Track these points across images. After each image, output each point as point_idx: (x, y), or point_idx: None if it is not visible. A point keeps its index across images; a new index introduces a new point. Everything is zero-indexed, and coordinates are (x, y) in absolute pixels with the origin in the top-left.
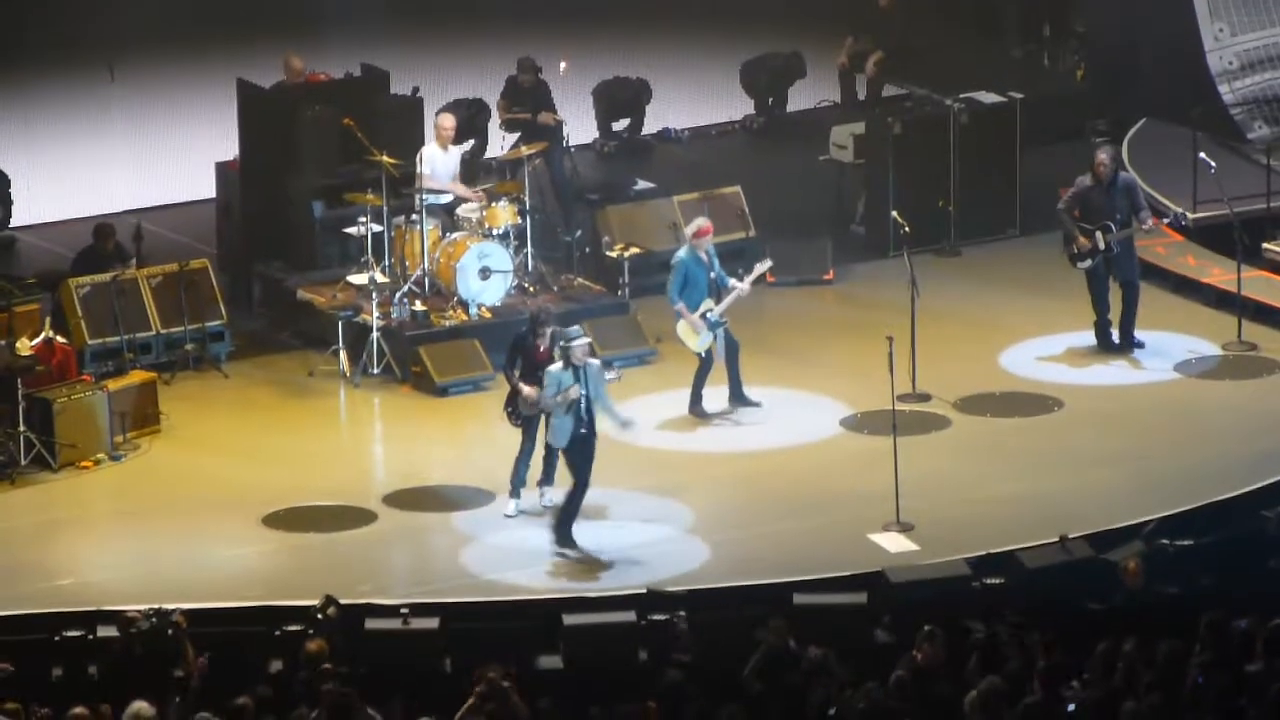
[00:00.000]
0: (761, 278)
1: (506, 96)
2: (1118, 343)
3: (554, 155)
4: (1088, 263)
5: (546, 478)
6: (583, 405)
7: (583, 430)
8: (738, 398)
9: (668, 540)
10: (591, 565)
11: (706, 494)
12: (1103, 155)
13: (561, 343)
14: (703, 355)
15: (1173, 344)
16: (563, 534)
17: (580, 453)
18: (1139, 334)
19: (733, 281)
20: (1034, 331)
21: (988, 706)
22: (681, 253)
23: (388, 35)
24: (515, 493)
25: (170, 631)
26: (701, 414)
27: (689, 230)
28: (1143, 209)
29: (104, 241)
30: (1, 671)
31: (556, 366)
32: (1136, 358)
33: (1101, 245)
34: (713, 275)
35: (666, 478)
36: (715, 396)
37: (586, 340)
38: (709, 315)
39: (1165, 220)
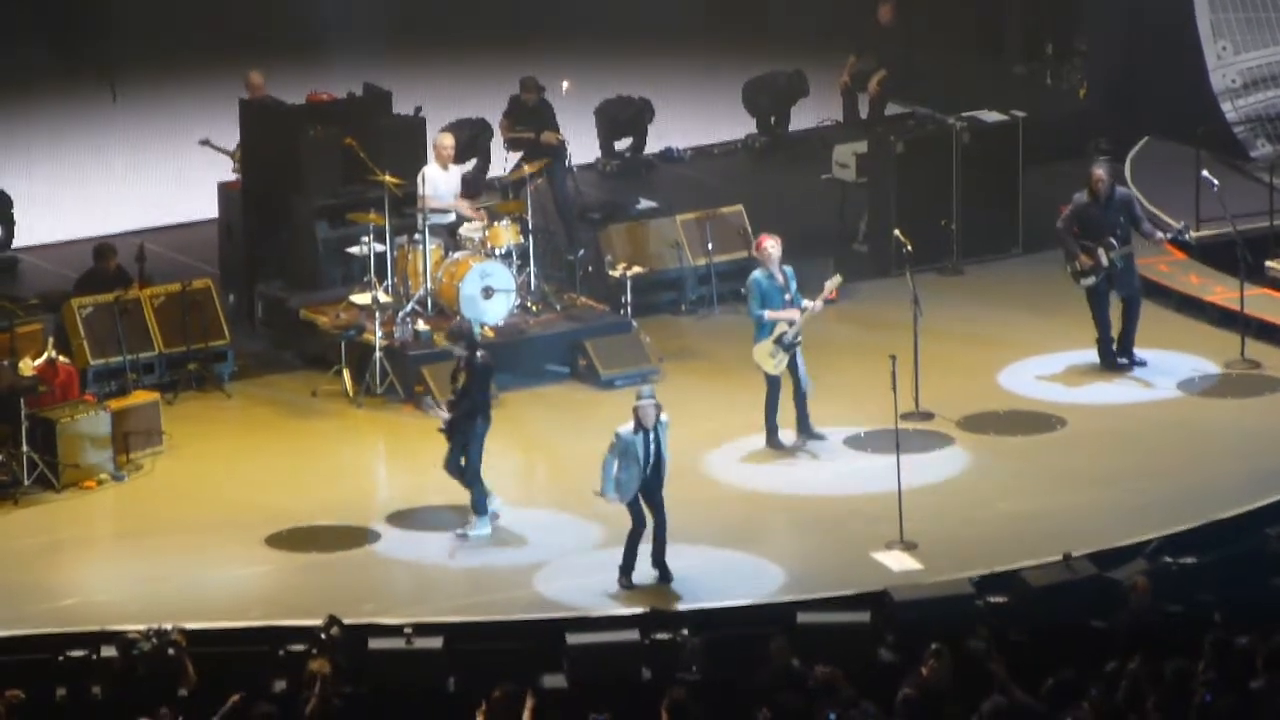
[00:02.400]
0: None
1: (509, 116)
2: (1122, 361)
3: (557, 174)
4: (1091, 280)
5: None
6: (651, 462)
7: (650, 482)
8: (805, 430)
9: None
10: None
11: (708, 513)
12: (1100, 171)
13: (637, 401)
14: (771, 380)
15: (1176, 362)
16: (663, 568)
17: (651, 498)
18: (1140, 352)
19: (806, 302)
20: (1037, 350)
21: None
22: (755, 273)
23: (390, 55)
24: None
25: (171, 651)
26: (779, 446)
27: (753, 246)
28: (1143, 221)
29: (105, 262)
30: (13, 699)
31: (627, 430)
32: (1140, 376)
33: (1105, 261)
34: (787, 297)
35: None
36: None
37: (653, 401)
38: (784, 337)
39: (1167, 236)
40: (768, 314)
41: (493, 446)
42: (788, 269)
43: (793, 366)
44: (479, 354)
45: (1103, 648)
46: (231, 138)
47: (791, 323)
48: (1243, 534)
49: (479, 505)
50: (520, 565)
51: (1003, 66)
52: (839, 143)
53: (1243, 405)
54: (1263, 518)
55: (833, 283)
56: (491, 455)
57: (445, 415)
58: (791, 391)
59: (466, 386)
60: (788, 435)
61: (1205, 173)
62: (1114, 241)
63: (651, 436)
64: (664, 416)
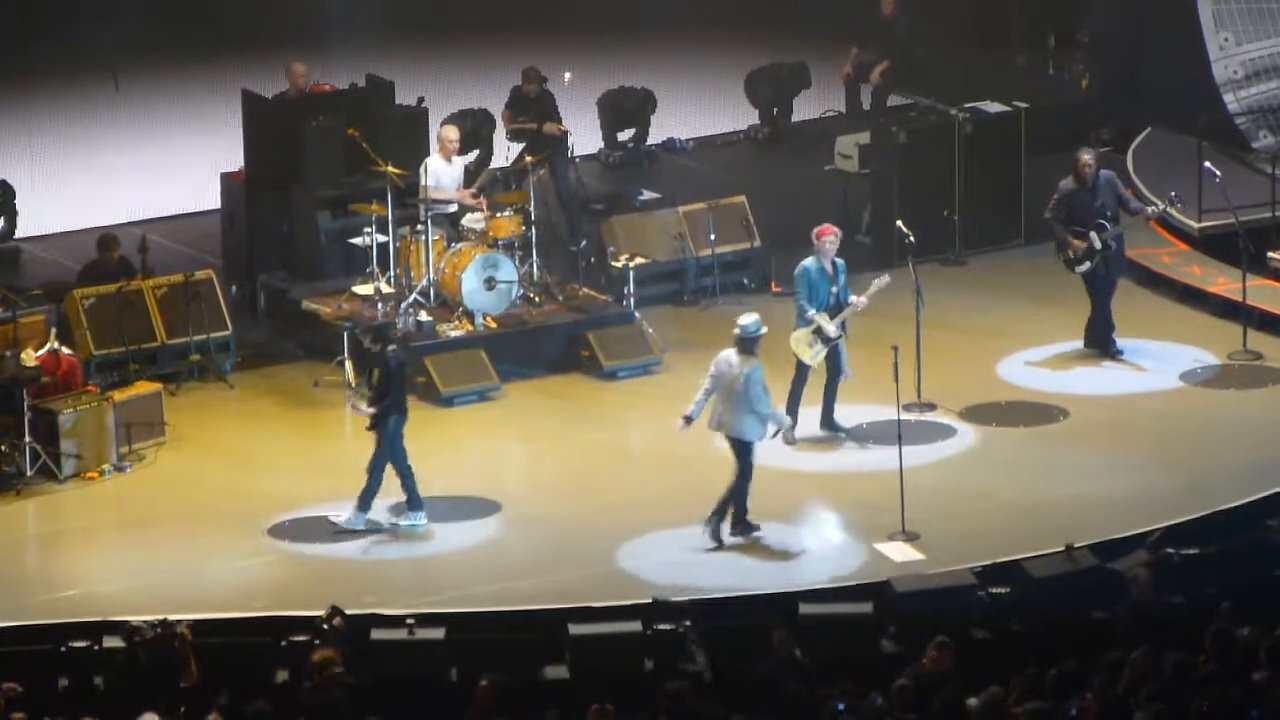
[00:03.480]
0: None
1: (511, 107)
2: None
3: (559, 165)
4: (1086, 265)
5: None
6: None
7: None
8: (828, 423)
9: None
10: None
11: (711, 501)
12: (1086, 156)
13: (739, 334)
14: (805, 366)
15: (1178, 353)
16: (743, 523)
17: (750, 446)
18: (1132, 342)
19: (853, 298)
20: (1039, 341)
21: (989, 716)
22: (807, 261)
23: (392, 46)
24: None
25: (175, 643)
26: (833, 429)
27: (814, 232)
28: (1130, 200)
29: (109, 253)
30: (10, 691)
31: (756, 363)
32: (1143, 367)
33: (1099, 245)
34: (835, 289)
35: (667, 484)
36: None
37: (765, 330)
38: (826, 331)
39: (1160, 209)
40: (811, 313)
41: (495, 438)
42: (839, 261)
43: (832, 357)
44: (392, 351)
45: (1104, 639)
46: (232, 136)
47: (833, 316)
48: (1245, 525)
49: (412, 499)
50: (521, 560)
51: (1005, 58)
52: (842, 134)
53: (1245, 396)
54: (1265, 509)
55: (880, 282)
56: (493, 447)
57: (371, 413)
58: (824, 383)
59: (383, 383)
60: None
61: (1207, 164)
62: (1104, 224)
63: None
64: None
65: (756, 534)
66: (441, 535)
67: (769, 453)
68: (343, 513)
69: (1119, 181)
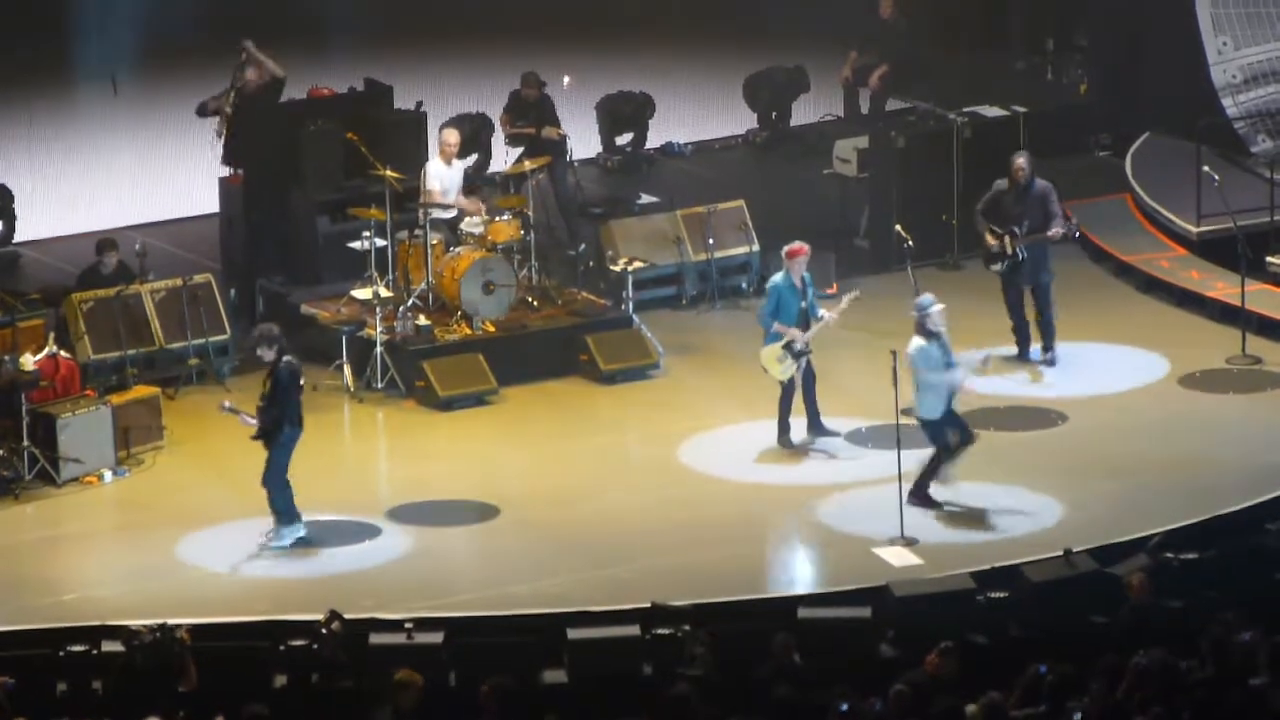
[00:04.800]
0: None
1: (510, 111)
2: (1034, 354)
3: (558, 169)
4: (998, 266)
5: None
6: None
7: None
8: (815, 428)
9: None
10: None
11: (708, 507)
12: (1020, 160)
13: (916, 313)
14: (784, 383)
15: (1177, 357)
16: (923, 493)
17: (951, 422)
18: (1069, 349)
19: (822, 312)
20: (1037, 344)
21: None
22: (777, 277)
23: (391, 50)
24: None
25: (175, 648)
26: (789, 445)
27: (784, 251)
28: (1055, 217)
29: (106, 256)
30: (2, 685)
31: (920, 342)
32: (1138, 370)
33: (1009, 250)
34: (804, 304)
35: (676, 493)
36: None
37: (941, 306)
38: (794, 344)
39: (1054, 232)
40: (777, 326)
41: (493, 443)
42: (806, 275)
43: (804, 367)
44: (285, 360)
45: (1103, 643)
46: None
47: (803, 331)
48: (1244, 529)
49: (284, 514)
50: (520, 564)
51: (1004, 62)
52: (840, 138)
53: (1244, 400)
54: (1264, 513)
55: (850, 296)
56: (491, 451)
57: (253, 423)
58: (803, 392)
59: (272, 393)
60: (798, 433)
61: (1206, 168)
62: (1017, 230)
63: (942, 341)
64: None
65: (932, 509)
66: (440, 539)
67: (763, 460)
68: (272, 532)
69: (1054, 195)
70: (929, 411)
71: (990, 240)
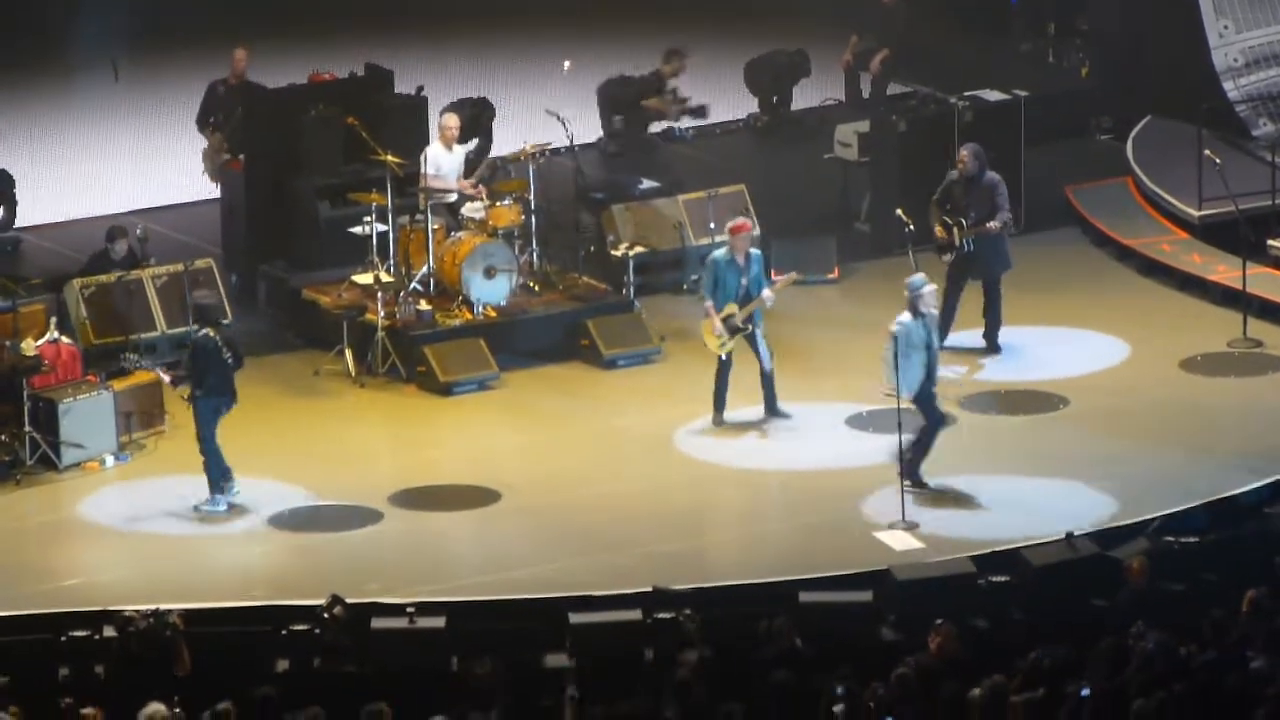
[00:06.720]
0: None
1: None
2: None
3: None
4: (948, 256)
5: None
6: (929, 358)
7: (928, 381)
8: (770, 409)
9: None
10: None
11: (711, 492)
12: (963, 152)
13: (908, 292)
14: (721, 358)
15: (1177, 341)
16: (914, 472)
17: (927, 396)
18: (1016, 338)
19: (765, 291)
20: (1039, 328)
21: (991, 704)
22: (717, 252)
23: (392, 34)
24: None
25: (168, 633)
26: (721, 423)
27: (727, 226)
28: (1000, 210)
29: (117, 243)
30: None
31: (906, 318)
32: (1138, 354)
33: (956, 242)
34: (744, 281)
35: (678, 478)
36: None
37: (933, 287)
38: (730, 320)
39: (991, 225)
40: (706, 304)
41: (494, 427)
42: (755, 252)
43: (754, 348)
44: (203, 334)
45: (1103, 626)
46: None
47: (742, 307)
48: (1245, 513)
49: (213, 482)
50: (522, 549)
51: (1005, 46)
52: (841, 122)
53: (1245, 384)
54: (1266, 496)
55: (787, 277)
56: (493, 436)
57: (168, 379)
58: (756, 373)
59: (189, 364)
60: (758, 413)
61: (1207, 151)
62: (963, 222)
63: (927, 321)
64: (935, 312)
65: (921, 489)
66: (441, 524)
67: (764, 445)
68: (204, 497)
69: (1002, 189)
70: (909, 386)
71: (939, 231)
